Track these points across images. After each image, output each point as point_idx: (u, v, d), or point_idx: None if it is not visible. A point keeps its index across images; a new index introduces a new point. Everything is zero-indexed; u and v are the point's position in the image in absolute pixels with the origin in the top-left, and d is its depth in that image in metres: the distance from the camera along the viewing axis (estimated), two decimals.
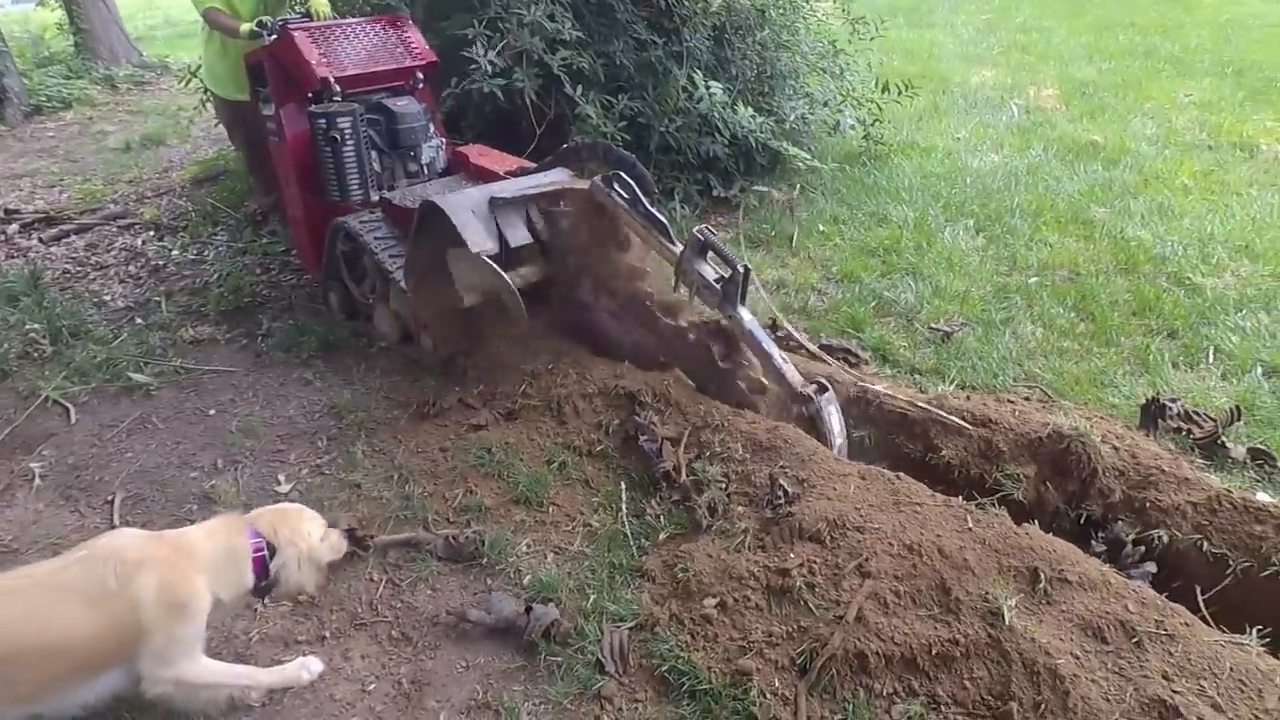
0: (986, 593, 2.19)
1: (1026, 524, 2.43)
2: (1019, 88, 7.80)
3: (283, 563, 2.19)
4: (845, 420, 2.93)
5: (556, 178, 3.58)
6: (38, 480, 3.18)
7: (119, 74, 10.06)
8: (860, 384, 3.12)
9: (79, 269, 5.03)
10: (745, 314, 3.06)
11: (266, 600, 2.47)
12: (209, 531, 2.15)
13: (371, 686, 2.31)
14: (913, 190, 5.48)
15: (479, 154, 4.16)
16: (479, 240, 3.12)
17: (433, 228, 3.22)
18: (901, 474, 2.64)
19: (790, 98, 5.70)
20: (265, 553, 2.17)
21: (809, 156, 5.40)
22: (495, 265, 3.11)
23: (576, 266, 3.46)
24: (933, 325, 3.93)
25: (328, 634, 2.47)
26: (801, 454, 2.71)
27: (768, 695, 2.13)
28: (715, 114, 4.93)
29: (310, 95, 3.86)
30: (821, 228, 5.04)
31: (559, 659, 2.32)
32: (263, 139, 4.28)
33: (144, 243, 5.32)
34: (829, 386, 2.94)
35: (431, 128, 4.15)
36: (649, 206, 3.25)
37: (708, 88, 4.89)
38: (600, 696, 2.21)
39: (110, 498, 3.07)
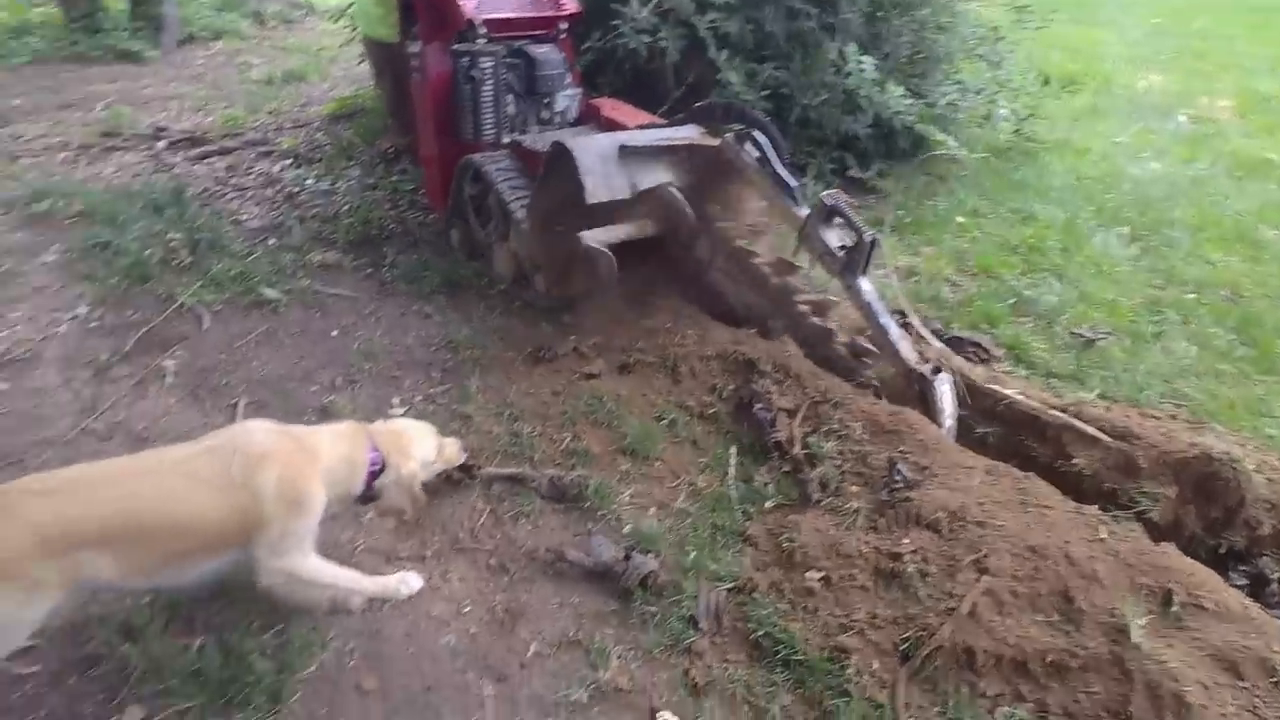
0: (1113, 607, 2.06)
1: (1165, 543, 2.25)
2: (1189, 95, 7.28)
3: (386, 484, 2.23)
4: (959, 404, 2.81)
5: (688, 133, 3.51)
6: (169, 378, 3.33)
7: (268, 10, 10.40)
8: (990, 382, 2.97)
9: (219, 188, 5.24)
10: (866, 284, 2.95)
11: (369, 514, 2.53)
12: (334, 436, 2.19)
13: (467, 609, 2.32)
14: (1063, 191, 5.17)
15: (611, 107, 4.14)
16: (596, 188, 3.09)
17: (561, 170, 3.21)
18: (1031, 475, 2.49)
19: (941, 82, 5.44)
20: (379, 468, 2.20)
21: (955, 144, 5.14)
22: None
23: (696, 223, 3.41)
24: (1074, 330, 3.70)
25: (429, 554, 2.50)
26: (925, 441, 2.60)
27: (865, 675, 2.07)
28: (863, 91, 4.74)
29: (456, 35, 3.89)
30: (960, 219, 4.81)
31: (653, 609, 2.29)
32: (408, 79, 4.35)
33: (281, 170, 5.50)
34: (944, 367, 2.81)
35: (569, 77, 4.14)
36: (779, 168, 3.15)
37: (859, 63, 4.71)
38: (691, 651, 2.18)
39: (234, 401, 3.19)
